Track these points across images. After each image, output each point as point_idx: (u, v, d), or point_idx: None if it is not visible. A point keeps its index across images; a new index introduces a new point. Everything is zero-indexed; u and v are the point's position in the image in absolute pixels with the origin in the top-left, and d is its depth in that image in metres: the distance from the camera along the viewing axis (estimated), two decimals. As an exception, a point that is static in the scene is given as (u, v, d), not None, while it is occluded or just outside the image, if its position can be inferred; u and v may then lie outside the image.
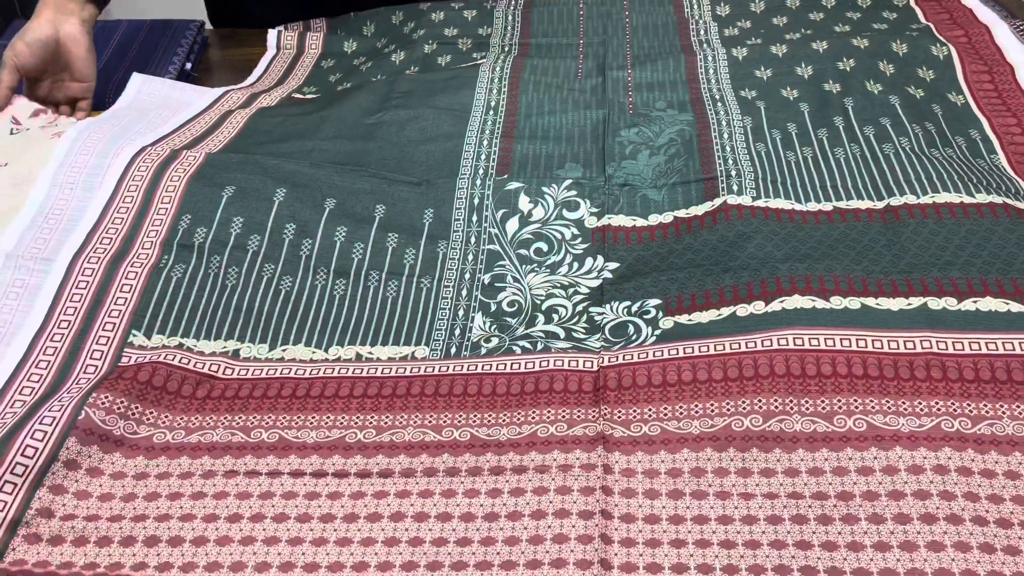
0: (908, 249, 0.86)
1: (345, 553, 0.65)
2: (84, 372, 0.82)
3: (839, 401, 0.72)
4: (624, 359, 0.80)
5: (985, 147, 1.03)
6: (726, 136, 1.06)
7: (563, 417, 0.75)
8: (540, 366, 0.80)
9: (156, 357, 0.82)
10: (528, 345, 0.84)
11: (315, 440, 0.75)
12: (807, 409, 0.71)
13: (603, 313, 0.87)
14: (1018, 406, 0.70)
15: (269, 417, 0.77)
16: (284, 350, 0.86)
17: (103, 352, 0.84)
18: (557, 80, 1.22)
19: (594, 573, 0.61)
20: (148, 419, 0.77)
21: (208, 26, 1.53)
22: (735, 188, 0.96)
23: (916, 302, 0.79)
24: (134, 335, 0.86)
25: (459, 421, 0.75)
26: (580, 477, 0.69)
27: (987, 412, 0.70)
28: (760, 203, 0.94)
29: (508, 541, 0.65)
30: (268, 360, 0.85)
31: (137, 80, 1.24)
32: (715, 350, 0.78)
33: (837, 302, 0.80)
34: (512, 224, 0.98)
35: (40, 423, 0.72)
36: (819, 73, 1.16)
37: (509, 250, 0.96)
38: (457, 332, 0.87)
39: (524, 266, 0.94)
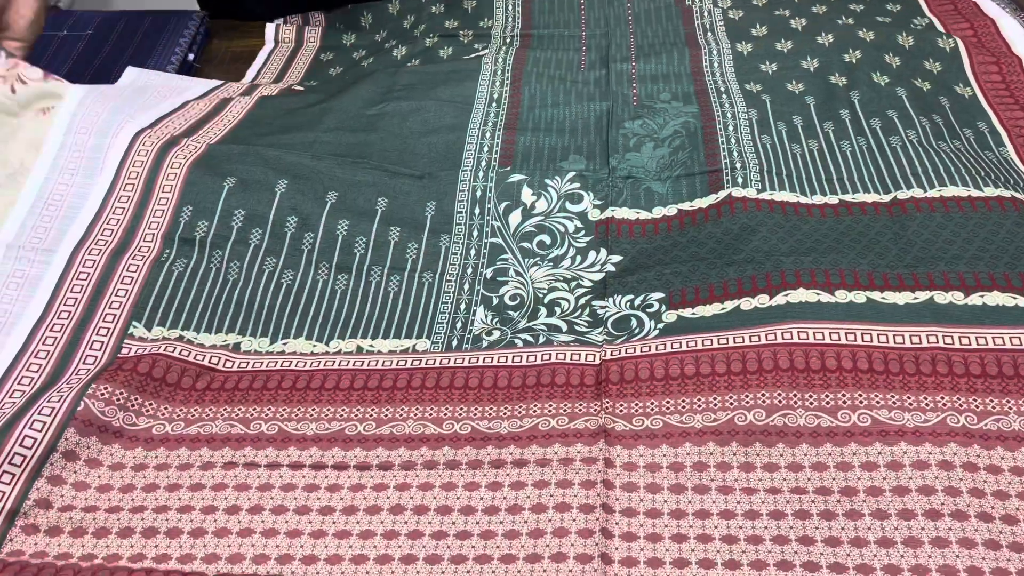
0: (915, 243, 0.85)
1: (344, 546, 0.64)
2: (84, 363, 0.82)
3: (843, 396, 0.71)
4: (626, 352, 0.79)
5: (993, 139, 1.01)
6: (731, 128, 1.05)
7: (564, 410, 0.74)
8: (542, 359, 0.79)
9: (156, 349, 0.81)
10: (530, 338, 0.83)
11: (314, 432, 0.74)
12: (811, 404, 0.71)
13: (606, 306, 0.86)
14: (1025, 401, 0.69)
15: (269, 409, 0.77)
16: (285, 343, 0.86)
17: (103, 343, 0.84)
18: (560, 72, 1.21)
19: (594, 567, 0.61)
20: (147, 411, 0.76)
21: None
22: (740, 181, 0.95)
23: (923, 296, 0.78)
24: (134, 327, 0.85)
25: (460, 414, 0.75)
26: (581, 471, 0.68)
27: (994, 407, 0.69)
28: (765, 196, 0.93)
29: (508, 535, 0.64)
30: (269, 353, 0.84)
31: (132, 72, 1.22)
32: (718, 344, 0.77)
33: (842, 296, 0.79)
34: (515, 217, 0.97)
35: (39, 413, 0.72)
36: (825, 66, 1.15)
37: (512, 243, 0.95)
38: (458, 325, 0.87)
39: (527, 259, 0.94)
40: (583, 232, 0.95)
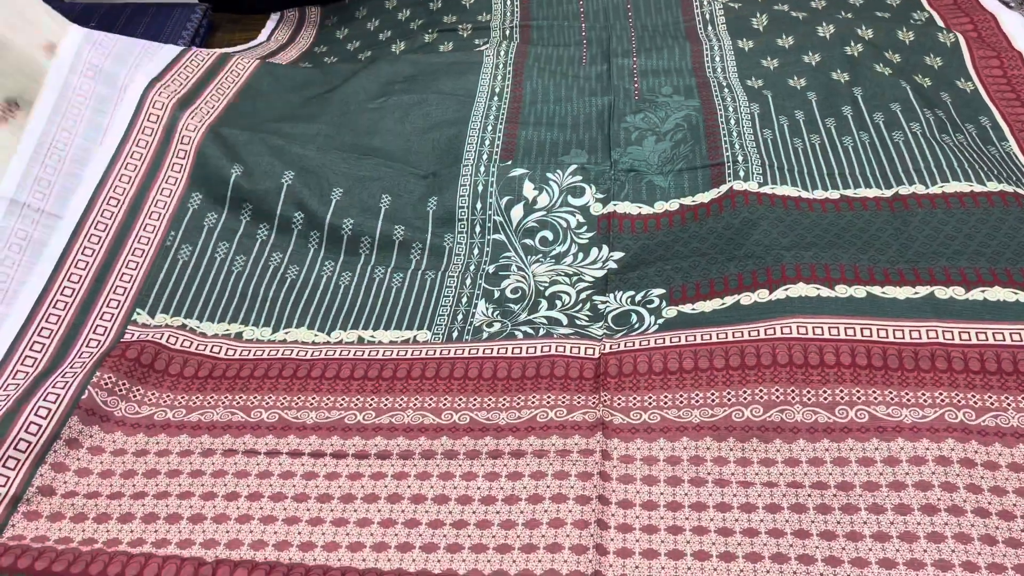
0: (916, 238, 0.84)
1: (341, 533, 0.65)
2: (87, 346, 0.83)
3: (841, 391, 0.71)
4: (625, 347, 0.79)
5: (995, 134, 1.01)
6: (732, 123, 1.05)
7: (563, 403, 0.74)
8: (541, 351, 0.79)
9: (158, 337, 0.82)
10: (530, 331, 0.84)
11: (314, 421, 0.75)
12: (809, 399, 0.71)
13: (606, 302, 0.86)
14: (1023, 398, 0.69)
15: (269, 397, 0.77)
16: (287, 332, 0.86)
17: (106, 327, 0.85)
18: (562, 67, 1.21)
19: (589, 558, 0.61)
20: (150, 399, 0.77)
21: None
22: (741, 174, 0.95)
23: (923, 291, 0.78)
24: (138, 313, 0.86)
25: (459, 404, 0.75)
26: (578, 462, 0.69)
27: (992, 404, 0.69)
28: (766, 190, 0.93)
29: (504, 525, 0.64)
30: (271, 342, 0.85)
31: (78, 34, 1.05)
32: (717, 338, 0.77)
33: (842, 291, 0.79)
34: (517, 211, 0.98)
35: (44, 400, 0.73)
36: (827, 61, 1.15)
37: (514, 239, 0.96)
38: (459, 317, 0.87)
39: (529, 256, 0.94)
40: (585, 227, 0.95)
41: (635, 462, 0.69)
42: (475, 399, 0.76)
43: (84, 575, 0.61)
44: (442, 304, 0.89)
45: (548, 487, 0.67)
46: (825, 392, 0.71)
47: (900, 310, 0.76)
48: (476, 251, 0.94)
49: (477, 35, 1.33)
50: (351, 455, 0.71)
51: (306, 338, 0.86)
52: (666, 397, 0.74)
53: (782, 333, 0.75)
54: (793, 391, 0.71)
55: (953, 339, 0.73)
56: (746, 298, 0.81)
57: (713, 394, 0.73)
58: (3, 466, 0.69)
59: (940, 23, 1.22)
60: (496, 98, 1.15)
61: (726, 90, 1.12)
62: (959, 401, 0.69)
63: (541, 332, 0.83)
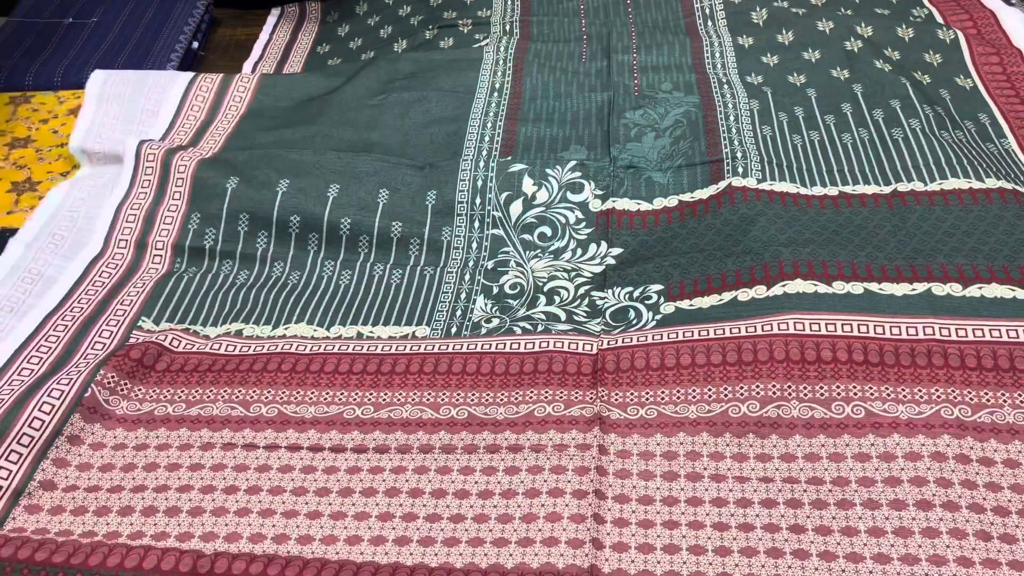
0: (914, 235, 0.84)
1: (339, 527, 0.65)
2: (92, 348, 0.84)
3: (838, 387, 0.71)
4: (623, 342, 0.79)
5: (994, 131, 1.01)
6: (732, 119, 1.05)
7: (560, 398, 0.75)
8: (540, 347, 0.80)
9: (162, 339, 0.83)
10: (529, 326, 0.84)
11: (313, 415, 0.75)
12: (805, 395, 0.71)
13: (605, 297, 0.87)
14: (1019, 394, 0.69)
15: (268, 392, 0.78)
16: (286, 328, 0.87)
17: (112, 332, 0.86)
18: (562, 63, 1.21)
19: (586, 552, 0.62)
20: (151, 396, 0.78)
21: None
22: (740, 171, 0.95)
23: (920, 287, 0.78)
24: (143, 320, 0.87)
25: (457, 399, 0.76)
26: (575, 457, 0.69)
27: (988, 400, 0.69)
28: (765, 186, 0.93)
29: (501, 519, 0.65)
30: (270, 338, 0.85)
31: (99, 77, 1.18)
32: (714, 334, 0.77)
33: (840, 287, 0.79)
34: (516, 207, 0.98)
35: (48, 396, 0.73)
36: (826, 58, 1.15)
37: (513, 235, 0.96)
38: (458, 313, 0.87)
39: (528, 252, 0.94)
40: (584, 223, 0.96)
41: (632, 457, 0.69)
42: (473, 394, 0.76)
43: (84, 566, 0.61)
44: (441, 300, 0.89)
45: (545, 481, 0.67)
46: (822, 388, 0.71)
47: (897, 307, 0.76)
48: (475, 246, 0.95)
49: (477, 30, 1.33)
50: (349, 449, 0.72)
51: (305, 332, 0.86)
52: (663, 393, 0.74)
53: (779, 329, 0.75)
54: (790, 387, 0.71)
55: (950, 336, 0.73)
56: (744, 294, 0.81)
57: (710, 390, 0.73)
58: (6, 460, 0.69)
59: (940, 20, 1.22)
60: (496, 94, 1.15)
61: (726, 86, 1.12)
62: (955, 397, 0.69)
63: (539, 328, 0.83)
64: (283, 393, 0.78)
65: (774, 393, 0.71)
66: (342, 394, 0.77)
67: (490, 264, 0.93)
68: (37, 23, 1.40)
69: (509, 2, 1.37)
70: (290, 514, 0.66)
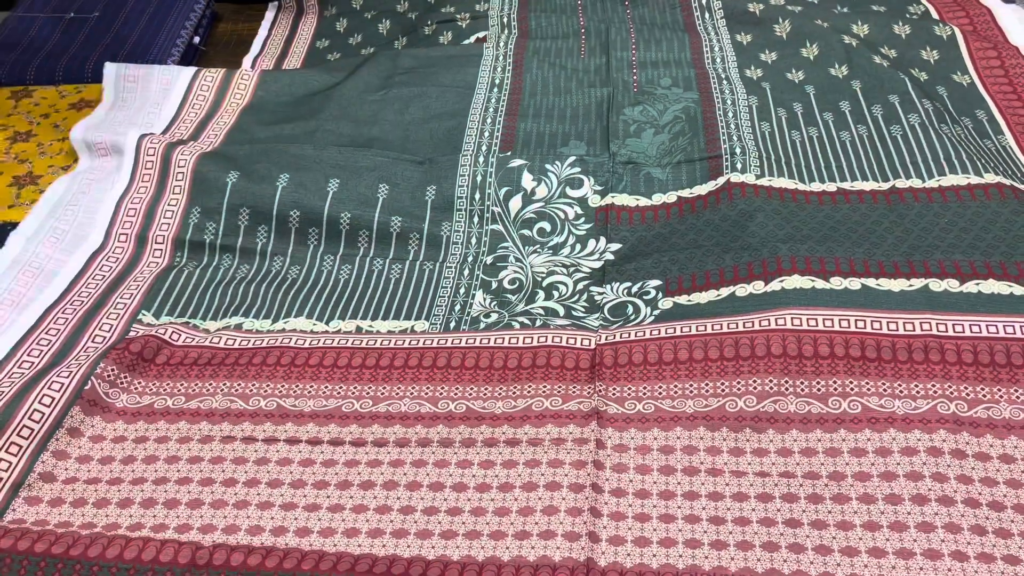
0: (912, 231, 0.85)
1: (337, 519, 0.65)
2: (92, 341, 0.84)
3: (834, 383, 0.71)
4: (621, 337, 0.79)
5: (992, 128, 1.01)
6: (731, 115, 1.05)
7: (558, 392, 0.75)
8: (538, 342, 0.80)
9: (162, 333, 0.83)
10: (527, 321, 0.84)
11: (312, 408, 0.76)
12: (802, 390, 0.71)
13: (603, 293, 0.87)
14: (1016, 390, 0.69)
15: (268, 385, 0.78)
16: (286, 322, 0.87)
17: (112, 325, 0.86)
18: (561, 59, 1.21)
19: (582, 545, 0.62)
20: (151, 389, 0.78)
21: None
22: (739, 167, 0.95)
23: (918, 283, 0.78)
24: (143, 314, 0.88)
25: (455, 393, 0.76)
26: (572, 451, 0.69)
27: (984, 396, 0.69)
28: (763, 182, 0.93)
29: (498, 512, 0.65)
30: (270, 332, 0.85)
31: (112, 68, 1.21)
32: (712, 330, 0.77)
33: (837, 282, 0.79)
34: (515, 202, 0.98)
35: (48, 389, 0.74)
36: (824, 54, 1.15)
37: (512, 230, 0.96)
38: (457, 308, 0.88)
39: (527, 247, 0.94)
40: (583, 219, 0.96)
41: (629, 451, 0.69)
42: (472, 388, 0.76)
43: (83, 557, 0.62)
44: (440, 295, 0.90)
45: (543, 475, 0.68)
46: (819, 383, 0.71)
47: (894, 302, 0.76)
48: (474, 241, 0.95)
49: (475, 25, 1.33)
50: (348, 442, 0.72)
51: (305, 327, 0.86)
52: (661, 387, 0.74)
53: (777, 324, 0.75)
54: (787, 382, 0.72)
55: (947, 331, 0.73)
56: (741, 289, 0.81)
57: (707, 385, 0.73)
58: (6, 452, 0.70)
59: (936, 16, 1.22)
60: (496, 90, 1.16)
61: (725, 82, 1.12)
62: (951, 393, 0.69)
63: (538, 323, 0.84)
64: (282, 387, 0.78)
65: (771, 388, 0.71)
66: (341, 388, 0.77)
67: (489, 259, 0.93)
68: (39, 18, 1.40)
69: None
70: (288, 507, 0.67)
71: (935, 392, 0.70)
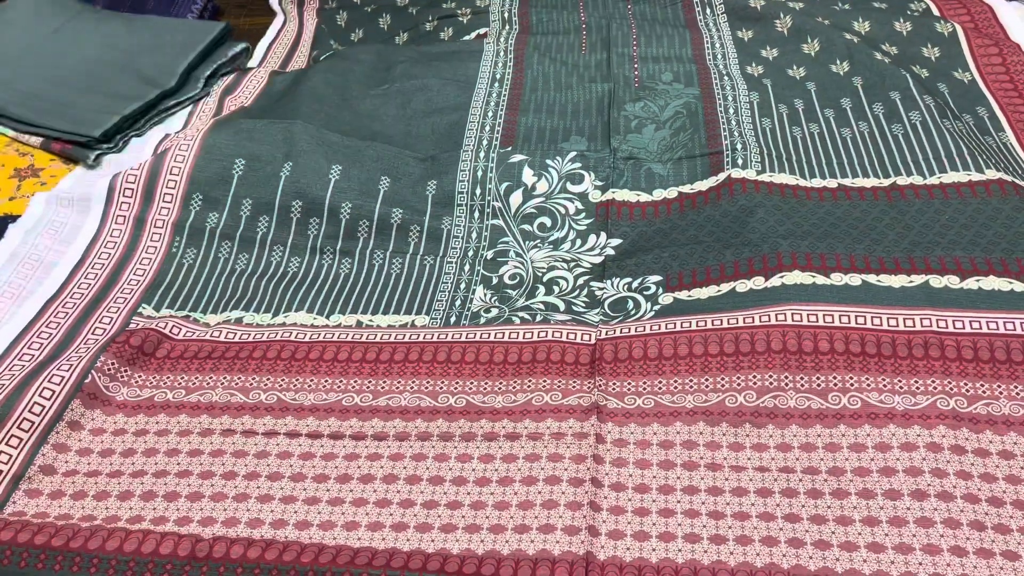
0: (912, 227, 0.85)
1: (336, 512, 0.65)
2: (92, 334, 0.84)
3: (835, 378, 0.71)
4: (621, 333, 0.79)
5: (993, 125, 1.01)
6: (732, 111, 1.05)
7: (558, 387, 0.75)
8: (538, 336, 0.80)
9: (162, 326, 0.83)
10: (527, 316, 0.84)
11: (312, 402, 0.76)
12: (802, 386, 0.71)
13: (604, 288, 0.87)
14: (1015, 386, 0.69)
15: (268, 379, 0.78)
16: (286, 316, 0.87)
17: (112, 318, 0.86)
18: (562, 55, 1.21)
19: (581, 539, 0.62)
20: (151, 383, 0.78)
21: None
22: (740, 162, 0.95)
23: (918, 280, 0.78)
24: (143, 307, 0.88)
25: (455, 388, 0.76)
26: (572, 445, 0.69)
27: (984, 392, 0.69)
28: (764, 178, 0.93)
29: (498, 505, 0.65)
30: (270, 326, 0.86)
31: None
32: (712, 325, 0.77)
33: (837, 278, 0.79)
34: (516, 197, 0.98)
35: (48, 382, 0.74)
36: (825, 51, 1.15)
37: (512, 225, 0.96)
38: (458, 303, 0.88)
39: (527, 242, 0.94)
40: (583, 214, 0.96)
41: (628, 446, 0.69)
42: (472, 383, 0.76)
43: (83, 550, 0.62)
44: (440, 289, 0.90)
45: (542, 469, 0.68)
46: (818, 379, 0.71)
47: (895, 298, 0.76)
48: (474, 236, 0.95)
49: (476, 20, 1.33)
50: (348, 436, 0.72)
51: (305, 321, 0.86)
52: (660, 383, 0.74)
53: (776, 320, 0.75)
54: (787, 377, 0.72)
55: (947, 327, 0.73)
56: (742, 285, 0.81)
57: (707, 380, 0.73)
58: (6, 444, 0.70)
59: (937, 13, 1.22)
60: (497, 84, 1.16)
61: (726, 78, 1.12)
62: (951, 389, 0.70)
63: (538, 318, 0.84)
64: (282, 380, 0.78)
65: (771, 383, 0.72)
66: (341, 382, 0.77)
67: (490, 254, 0.93)
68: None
69: None
70: (288, 500, 0.67)
71: (935, 388, 0.70)
